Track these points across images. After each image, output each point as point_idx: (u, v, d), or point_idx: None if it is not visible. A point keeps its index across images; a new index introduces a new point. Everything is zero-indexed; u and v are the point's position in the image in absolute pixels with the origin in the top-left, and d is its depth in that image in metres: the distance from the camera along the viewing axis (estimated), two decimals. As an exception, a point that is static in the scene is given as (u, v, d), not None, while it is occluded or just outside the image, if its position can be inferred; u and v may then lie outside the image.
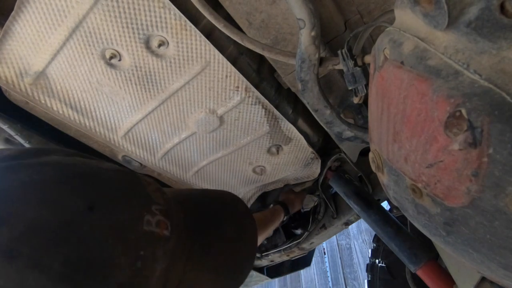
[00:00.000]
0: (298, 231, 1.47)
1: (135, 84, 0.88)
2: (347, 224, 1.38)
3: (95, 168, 0.56)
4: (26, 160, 0.51)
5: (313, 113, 0.77)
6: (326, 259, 3.74)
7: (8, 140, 0.99)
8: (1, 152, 0.54)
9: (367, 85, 0.65)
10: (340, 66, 0.66)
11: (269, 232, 1.28)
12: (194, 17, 0.78)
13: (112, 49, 0.81)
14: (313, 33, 0.61)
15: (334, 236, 3.42)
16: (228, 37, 0.71)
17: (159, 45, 0.81)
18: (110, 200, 0.52)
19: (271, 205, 1.36)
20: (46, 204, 0.46)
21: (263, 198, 1.46)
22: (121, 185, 0.56)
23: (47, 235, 0.43)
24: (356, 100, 0.72)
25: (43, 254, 0.41)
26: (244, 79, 0.89)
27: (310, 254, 1.77)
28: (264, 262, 1.61)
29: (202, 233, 0.69)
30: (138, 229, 0.52)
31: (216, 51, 0.83)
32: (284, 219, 1.31)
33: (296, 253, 1.54)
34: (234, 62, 0.87)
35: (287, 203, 1.34)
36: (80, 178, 0.52)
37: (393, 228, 1.05)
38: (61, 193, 0.48)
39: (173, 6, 0.74)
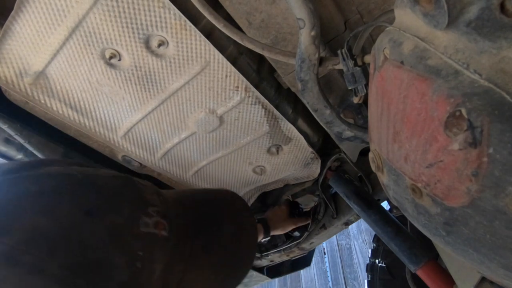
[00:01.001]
0: (296, 234, 1.47)
1: (135, 84, 0.88)
2: (347, 224, 1.38)
3: (91, 175, 0.58)
4: (25, 173, 0.54)
5: (313, 113, 0.77)
6: (326, 259, 3.74)
7: (8, 140, 0.99)
8: (2, 166, 0.57)
9: (367, 85, 0.65)
10: (340, 66, 0.66)
11: None
12: (194, 17, 0.78)
13: (112, 49, 0.81)
14: (313, 33, 0.60)
15: (334, 236, 3.42)
16: (228, 37, 0.71)
17: (159, 45, 0.81)
18: (105, 204, 0.54)
19: None
20: (44, 212, 0.47)
21: (263, 198, 1.46)
22: (116, 190, 0.58)
23: (46, 242, 0.44)
24: (356, 100, 0.72)
25: (43, 260, 0.43)
26: (244, 79, 0.89)
27: (310, 254, 1.77)
28: (264, 262, 1.61)
29: (202, 232, 0.70)
30: (135, 230, 0.53)
31: (216, 51, 0.82)
32: (262, 240, 1.26)
33: (296, 253, 1.54)
34: (234, 62, 0.87)
35: (270, 224, 1.28)
36: (76, 186, 0.54)
37: (393, 228, 1.04)
38: (58, 202, 0.50)
39: (173, 6, 0.74)
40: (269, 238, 1.30)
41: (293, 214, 1.40)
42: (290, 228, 1.36)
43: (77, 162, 0.66)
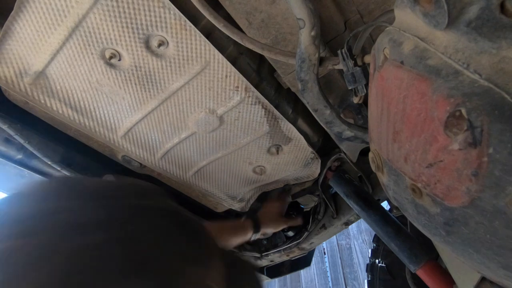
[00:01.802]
0: (290, 233, 1.47)
1: (135, 84, 0.88)
2: (347, 224, 1.38)
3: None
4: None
5: (313, 113, 0.77)
6: (326, 259, 3.74)
7: (8, 140, 0.99)
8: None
9: (367, 85, 0.65)
10: (340, 66, 0.66)
11: (228, 243, 1.21)
12: (194, 17, 0.78)
13: (112, 49, 0.81)
14: (313, 33, 0.61)
15: (334, 236, 3.42)
16: (228, 37, 0.71)
17: (159, 45, 0.80)
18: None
19: (243, 218, 1.31)
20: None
21: (263, 198, 1.46)
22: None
23: None
24: (356, 100, 0.72)
25: None
26: (244, 79, 0.89)
27: (310, 254, 1.77)
28: (264, 262, 1.61)
29: None
30: None
31: (216, 51, 0.82)
32: (251, 238, 1.27)
33: (296, 253, 1.54)
34: (234, 62, 0.87)
35: (261, 220, 1.28)
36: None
37: (393, 228, 1.04)
38: None
39: (173, 6, 0.74)
40: (258, 234, 1.29)
41: (287, 214, 1.40)
42: (282, 227, 1.37)
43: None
